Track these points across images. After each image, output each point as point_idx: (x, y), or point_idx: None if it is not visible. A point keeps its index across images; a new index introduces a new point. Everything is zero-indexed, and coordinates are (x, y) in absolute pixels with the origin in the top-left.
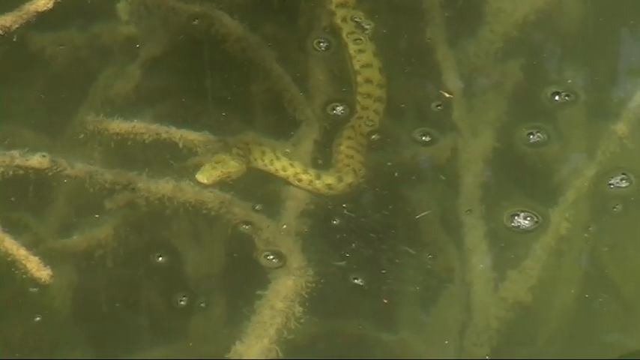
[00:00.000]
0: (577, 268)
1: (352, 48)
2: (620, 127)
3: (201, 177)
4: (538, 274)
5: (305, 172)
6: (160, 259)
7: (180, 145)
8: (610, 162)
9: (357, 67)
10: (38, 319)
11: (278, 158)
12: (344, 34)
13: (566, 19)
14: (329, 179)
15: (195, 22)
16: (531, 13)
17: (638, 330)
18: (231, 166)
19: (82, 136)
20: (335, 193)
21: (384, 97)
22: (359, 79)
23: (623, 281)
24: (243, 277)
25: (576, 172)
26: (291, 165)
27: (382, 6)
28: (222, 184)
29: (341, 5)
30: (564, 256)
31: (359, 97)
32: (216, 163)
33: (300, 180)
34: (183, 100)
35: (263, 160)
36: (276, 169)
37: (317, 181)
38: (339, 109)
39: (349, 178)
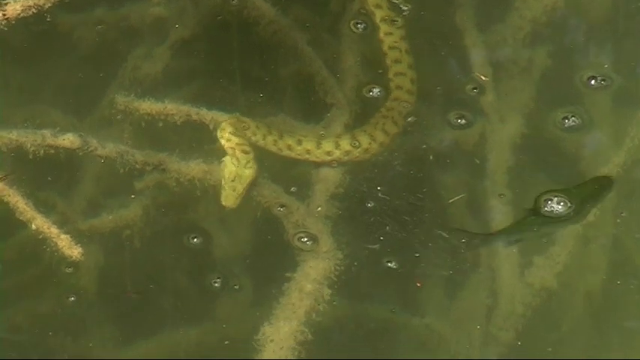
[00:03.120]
0: (605, 254)
1: (384, 30)
2: None
3: (228, 203)
4: (564, 260)
5: (299, 142)
6: (191, 240)
7: (211, 127)
8: (638, 149)
9: (385, 48)
10: (72, 298)
11: (299, 142)
12: (377, 19)
13: (595, 5)
14: (329, 146)
15: (233, 2)
16: None
17: None
18: (247, 175)
19: (113, 116)
20: (352, 158)
21: (414, 77)
22: (388, 61)
23: None
24: (273, 260)
25: (605, 159)
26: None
27: None
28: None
29: None
30: (592, 243)
31: (392, 76)
32: (232, 181)
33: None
34: (213, 82)
35: (277, 145)
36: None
37: (317, 150)
38: (376, 90)
39: (365, 143)
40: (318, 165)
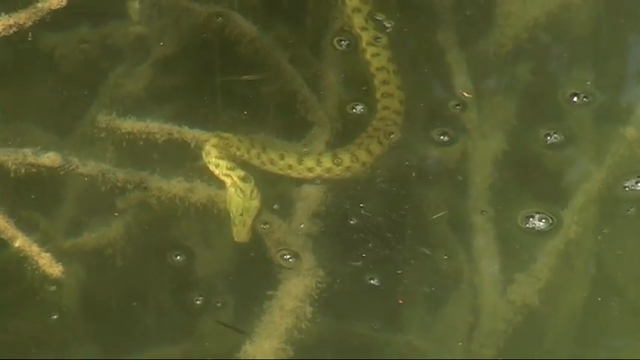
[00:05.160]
0: (586, 271)
1: (370, 52)
2: (630, 131)
3: (240, 239)
4: (547, 277)
5: (284, 158)
6: (174, 258)
7: (193, 145)
8: (620, 166)
9: (373, 70)
10: (55, 316)
11: (250, 149)
12: (364, 42)
13: (577, 22)
14: (311, 162)
15: (219, 19)
16: (542, 15)
17: None
18: (254, 207)
19: (94, 134)
20: (334, 176)
21: (403, 98)
22: (376, 82)
23: (632, 285)
24: (255, 277)
25: (586, 175)
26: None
27: (394, 9)
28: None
29: (357, 10)
30: (573, 260)
31: (379, 97)
32: (241, 215)
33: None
34: (195, 100)
35: (260, 159)
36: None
37: (299, 166)
38: (359, 108)
39: (347, 161)
40: (300, 182)
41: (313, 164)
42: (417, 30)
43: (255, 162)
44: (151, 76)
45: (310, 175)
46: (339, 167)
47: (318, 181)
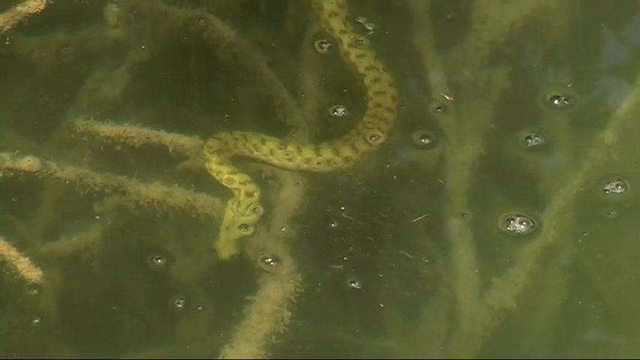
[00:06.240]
0: (565, 275)
1: (355, 54)
2: (608, 135)
3: (222, 256)
4: (524, 281)
5: (284, 148)
6: (155, 261)
7: (171, 150)
8: (598, 169)
9: (362, 70)
10: (36, 320)
11: (257, 140)
12: (345, 45)
13: (554, 25)
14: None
15: (199, 23)
16: (519, 20)
17: (620, 337)
18: (240, 223)
19: (72, 139)
20: (314, 168)
21: (395, 94)
22: (366, 81)
23: (609, 288)
24: (235, 281)
25: (564, 180)
26: (280, 146)
27: (373, 12)
28: (218, 193)
29: (334, 14)
30: (552, 263)
31: (371, 94)
32: (226, 229)
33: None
34: (173, 104)
35: (247, 149)
36: (261, 152)
37: (300, 156)
38: (340, 110)
39: (328, 154)
40: (281, 185)
41: (294, 152)
42: (397, 33)
43: (244, 151)
44: (128, 80)
45: (290, 163)
46: (319, 158)
47: (299, 172)
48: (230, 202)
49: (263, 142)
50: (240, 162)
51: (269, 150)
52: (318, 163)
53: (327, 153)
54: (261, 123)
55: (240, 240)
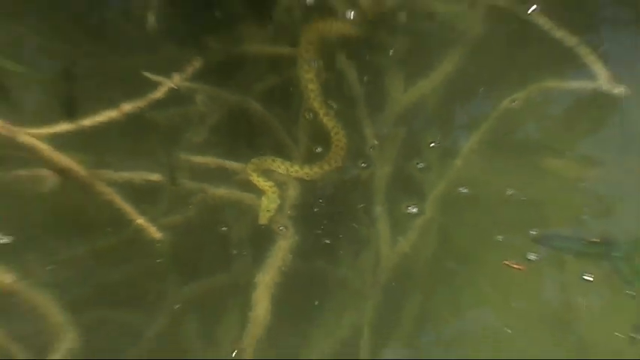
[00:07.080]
0: (435, 235)
1: (326, 119)
2: (458, 162)
3: (262, 221)
4: (415, 238)
5: (293, 166)
6: (220, 229)
7: (229, 169)
8: (453, 180)
9: (332, 134)
10: (159, 260)
11: (278, 162)
12: (321, 115)
13: (430, 105)
14: (306, 169)
15: (244, 103)
16: (412, 101)
17: (465, 266)
18: (272, 207)
19: (179, 164)
20: (309, 177)
21: (346, 141)
22: (332, 133)
23: (460, 240)
24: (263, 240)
25: (436, 185)
26: (290, 165)
27: (336, 98)
28: (256, 192)
29: (315, 98)
30: (429, 229)
31: (334, 140)
32: (265, 210)
33: (291, 171)
34: (230, 147)
35: (272, 166)
36: (280, 169)
37: (301, 171)
38: (319, 149)
39: (311, 172)
40: (288, 187)
41: (299, 169)
42: (347, 109)
43: (275, 169)
44: (207, 133)
45: (294, 175)
46: (309, 172)
47: (297, 180)
48: (263, 197)
49: (279, 162)
50: (267, 174)
51: (284, 167)
52: (307, 175)
53: (312, 169)
54: (276, 153)
55: (269, 217)
